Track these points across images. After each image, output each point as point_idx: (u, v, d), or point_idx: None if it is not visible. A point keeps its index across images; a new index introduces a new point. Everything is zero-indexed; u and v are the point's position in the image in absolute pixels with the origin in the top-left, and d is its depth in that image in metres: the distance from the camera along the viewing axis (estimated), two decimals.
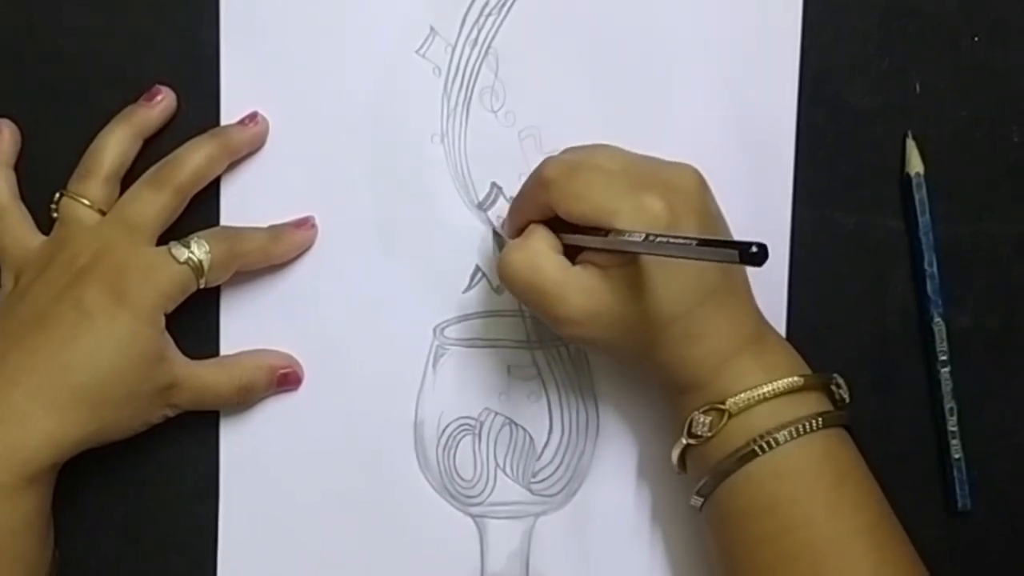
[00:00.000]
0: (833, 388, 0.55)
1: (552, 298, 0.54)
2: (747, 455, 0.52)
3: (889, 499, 0.54)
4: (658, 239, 0.49)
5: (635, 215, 0.52)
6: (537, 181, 0.55)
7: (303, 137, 0.60)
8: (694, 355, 0.53)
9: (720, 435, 0.53)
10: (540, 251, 0.54)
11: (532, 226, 0.56)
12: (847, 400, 0.55)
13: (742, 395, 0.53)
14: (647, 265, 0.52)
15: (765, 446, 0.52)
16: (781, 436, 0.52)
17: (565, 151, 0.56)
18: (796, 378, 0.53)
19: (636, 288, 0.53)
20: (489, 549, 0.60)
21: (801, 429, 0.52)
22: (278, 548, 0.61)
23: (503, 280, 0.55)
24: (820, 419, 0.53)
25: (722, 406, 0.53)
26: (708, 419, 0.53)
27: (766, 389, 0.53)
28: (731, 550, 0.54)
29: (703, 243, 0.46)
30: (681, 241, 0.48)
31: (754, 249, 0.43)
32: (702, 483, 0.54)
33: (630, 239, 0.50)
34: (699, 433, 0.53)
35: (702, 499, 0.54)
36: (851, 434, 0.54)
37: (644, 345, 0.54)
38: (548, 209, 0.54)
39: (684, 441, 0.54)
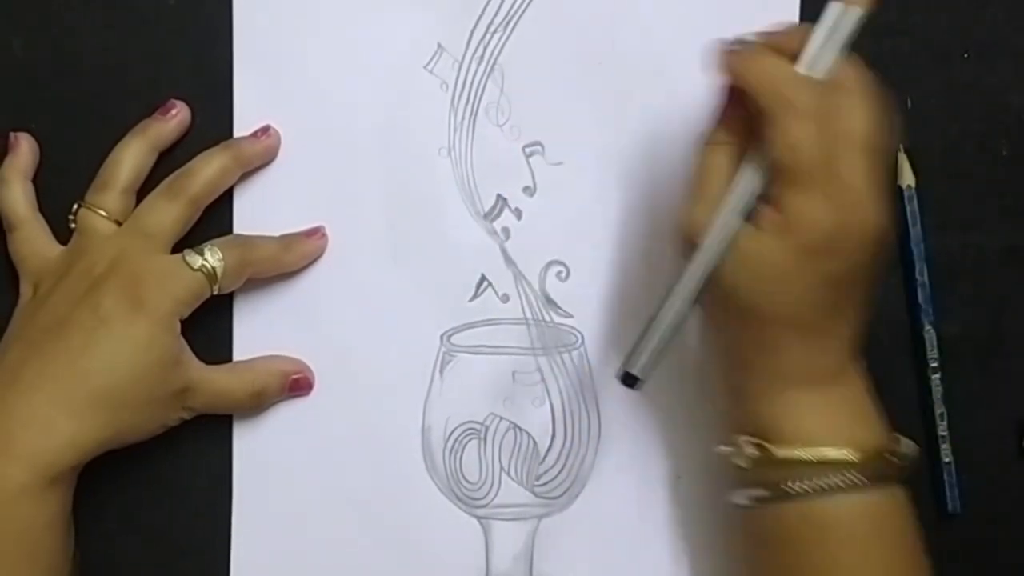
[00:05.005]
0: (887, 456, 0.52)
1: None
2: (780, 495, 0.51)
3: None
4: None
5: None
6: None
7: (314, 149, 0.61)
8: (781, 361, 0.52)
9: (757, 470, 0.52)
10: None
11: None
12: (909, 459, 0.53)
13: (792, 450, 0.51)
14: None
15: (799, 491, 0.51)
16: (817, 492, 0.50)
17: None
18: (847, 453, 0.51)
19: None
20: (494, 550, 0.61)
21: (842, 487, 0.51)
22: (289, 548, 0.61)
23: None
24: (865, 480, 0.51)
25: (768, 446, 0.51)
26: (752, 452, 0.52)
27: (813, 455, 0.51)
28: (761, 561, 0.54)
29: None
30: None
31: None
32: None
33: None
34: (738, 463, 0.52)
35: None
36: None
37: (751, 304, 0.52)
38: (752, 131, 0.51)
39: (724, 449, 0.53)
